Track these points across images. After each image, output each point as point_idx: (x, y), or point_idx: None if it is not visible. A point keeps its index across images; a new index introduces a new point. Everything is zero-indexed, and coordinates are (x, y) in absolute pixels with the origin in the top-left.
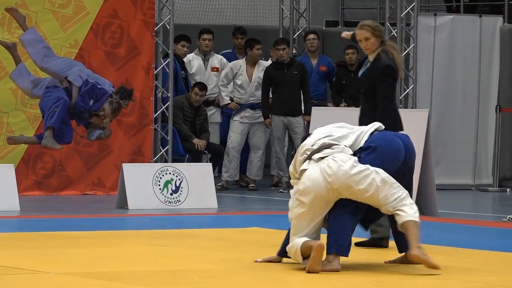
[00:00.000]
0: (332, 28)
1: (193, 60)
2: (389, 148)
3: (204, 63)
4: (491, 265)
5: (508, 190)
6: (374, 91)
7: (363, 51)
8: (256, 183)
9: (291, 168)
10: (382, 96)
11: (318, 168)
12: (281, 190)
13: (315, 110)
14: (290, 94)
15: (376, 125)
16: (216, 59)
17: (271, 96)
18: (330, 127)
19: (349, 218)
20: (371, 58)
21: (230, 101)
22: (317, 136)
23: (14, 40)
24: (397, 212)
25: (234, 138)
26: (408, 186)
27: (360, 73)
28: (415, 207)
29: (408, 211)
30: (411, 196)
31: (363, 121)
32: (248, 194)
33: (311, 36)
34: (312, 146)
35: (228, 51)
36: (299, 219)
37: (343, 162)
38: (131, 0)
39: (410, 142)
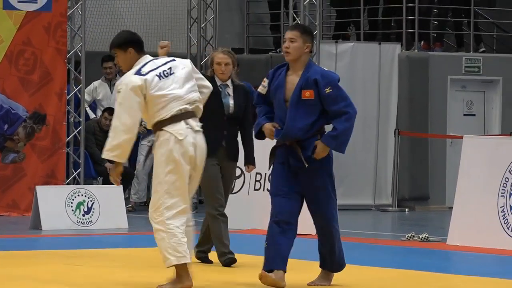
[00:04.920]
0: (238, 55)
1: (99, 87)
2: None
3: (110, 89)
4: (389, 282)
5: (406, 210)
6: None
7: None
8: None
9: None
10: None
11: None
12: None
13: None
14: None
15: None
16: None
17: None
18: None
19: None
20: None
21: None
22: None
23: None
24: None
25: (143, 161)
26: None
27: None
28: None
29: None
30: None
31: (227, 140)
32: None
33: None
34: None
35: None
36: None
37: None
38: (44, 28)
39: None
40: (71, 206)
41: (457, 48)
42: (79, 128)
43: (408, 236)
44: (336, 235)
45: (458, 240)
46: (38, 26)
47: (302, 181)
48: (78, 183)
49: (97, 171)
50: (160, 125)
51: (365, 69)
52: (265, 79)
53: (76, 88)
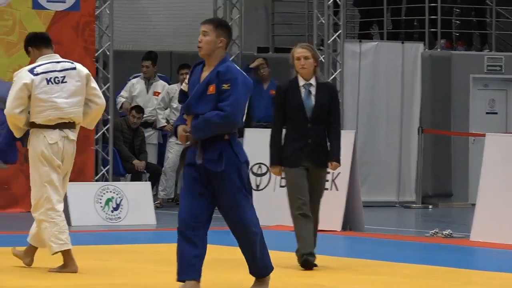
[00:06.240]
0: (263, 53)
1: (136, 84)
2: None
3: (146, 87)
4: (413, 278)
5: (430, 206)
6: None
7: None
8: None
9: None
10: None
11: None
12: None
13: (248, 131)
14: None
15: None
16: (160, 85)
17: None
18: None
19: None
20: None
21: (166, 124)
22: None
23: None
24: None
25: (171, 158)
26: None
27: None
28: None
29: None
30: None
31: (314, 149)
32: None
33: (262, 65)
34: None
35: (163, 75)
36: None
37: None
38: (73, 27)
39: None
40: (100, 203)
41: (479, 47)
42: (107, 126)
43: (431, 232)
44: (256, 240)
45: (481, 237)
46: (67, 25)
47: (213, 185)
48: (106, 180)
49: (125, 168)
50: (35, 125)
51: (389, 68)
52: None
53: (104, 86)
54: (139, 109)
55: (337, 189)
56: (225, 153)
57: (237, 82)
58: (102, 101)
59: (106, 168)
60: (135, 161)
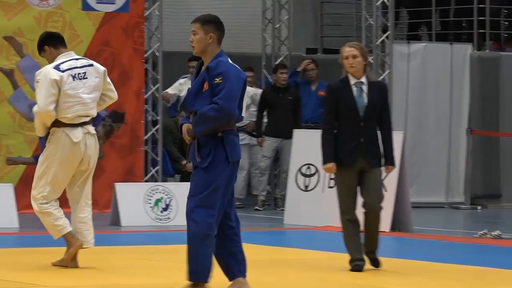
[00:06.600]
0: (311, 54)
1: (184, 84)
2: None
3: None
4: (462, 279)
5: (479, 207)
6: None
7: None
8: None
9: None
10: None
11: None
12: (256, 207)
13: (296, 132)
14: (284, 117)
15: None
16: None
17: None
18: None
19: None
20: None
21: None
22: None
23: (12, 67)
24: None
25: None
26: None
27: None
28: None
29: None
30: None
31: (367, 148)
32: None
33: (310, 66)
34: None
35: None
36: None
37: None
38: (122, 29)
39: None
40: (150, 203)
41: None
42: (157, 127)
43: (480, 233)
44: (192, 239)
45: None
46: (116, 26)
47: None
48: (156, 180)
49: (174, 169)
50: (59, 123)
51: (437, 69)
52: None
53: (153, 87)
54: None
55: (385, 190)
56: (214, 150)
57: (229, 75)
58: (115, 95)
59: (156, 169)
60: (185, 162)
